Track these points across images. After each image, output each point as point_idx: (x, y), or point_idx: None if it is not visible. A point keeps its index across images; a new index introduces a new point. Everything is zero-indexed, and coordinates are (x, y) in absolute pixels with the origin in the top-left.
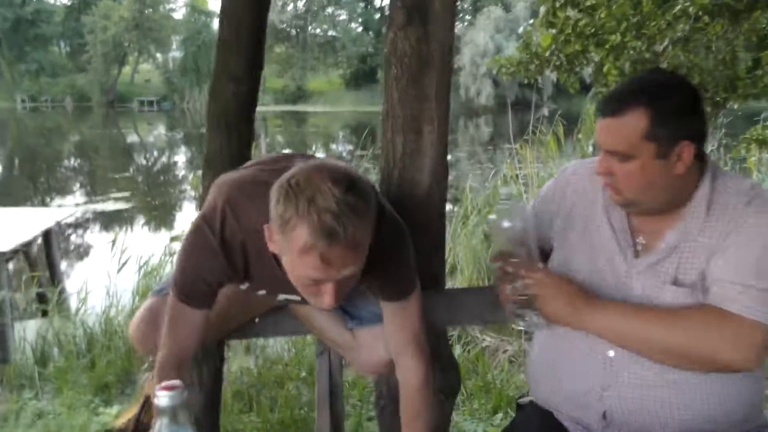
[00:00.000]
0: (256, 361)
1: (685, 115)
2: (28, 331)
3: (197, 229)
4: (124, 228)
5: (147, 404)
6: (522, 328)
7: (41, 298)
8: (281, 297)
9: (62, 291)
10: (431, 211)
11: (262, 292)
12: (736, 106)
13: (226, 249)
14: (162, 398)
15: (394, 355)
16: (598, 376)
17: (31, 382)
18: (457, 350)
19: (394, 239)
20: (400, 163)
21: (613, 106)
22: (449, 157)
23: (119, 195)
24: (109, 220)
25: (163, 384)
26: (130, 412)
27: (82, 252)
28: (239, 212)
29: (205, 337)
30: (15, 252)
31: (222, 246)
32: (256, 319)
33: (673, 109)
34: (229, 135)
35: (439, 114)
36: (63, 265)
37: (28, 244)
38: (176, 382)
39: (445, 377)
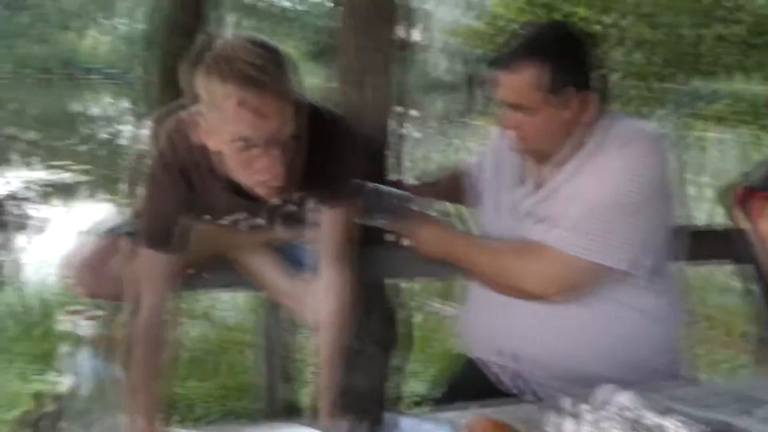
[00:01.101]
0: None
1: (581, 65)
2: None
3: (141, 161)
4: (77, 199)
5: None
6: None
7: None
8: (243, 224)
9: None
10: (375, 165)
11: (223, 219)
12: (694, 82)
13: (171, 174)
14: (85, 327)
15: (322, 267)
16: (503, 319)
17: None
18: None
19: (334, 137)
20: (348, 116)
21: (505, 61)
22: (418, 134)
23: (76, 167)
24: (63, 192)
25: (88, 313)
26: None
27: (26, 223)
28: (177, 137)
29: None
30: None
31: (167, 172)
32: (203, 273)
33: (568, 60)
34: (179, 91)
35: (387, 67)
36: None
37: None
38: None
39: (382, 329)
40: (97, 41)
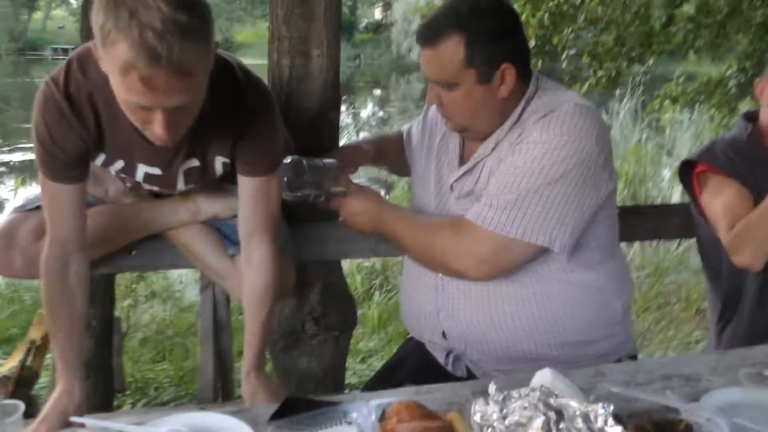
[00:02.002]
0: (166, 309)
1: (503, 38)
2: None
3: (43, 89)
4: (31, 178)
5: (33, 349)
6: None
7: None
8: (140, 171)
9: None
10: (323, 139)
11: (119, 164)
12: (651, 62)
13: (71, 103)
14: None
15: (243, 237)
16: (432, 297)
17: None
18: (376, 297)
19: (262, 106)
20: (287, 87)
21: (428, 34)
22: (381, 113)
23: (29, 145)
24: (18, 171)
25: None
26: (15, 358)
27: None
28: (87, 64)
29: (84, 230)
30: None
31: (67, 100)
32: (133, 252)
33: (489, 33)
34: None
35: (329, 37)
36: None
37: None
38: None
39: (340, 313)
40: (66, 20)
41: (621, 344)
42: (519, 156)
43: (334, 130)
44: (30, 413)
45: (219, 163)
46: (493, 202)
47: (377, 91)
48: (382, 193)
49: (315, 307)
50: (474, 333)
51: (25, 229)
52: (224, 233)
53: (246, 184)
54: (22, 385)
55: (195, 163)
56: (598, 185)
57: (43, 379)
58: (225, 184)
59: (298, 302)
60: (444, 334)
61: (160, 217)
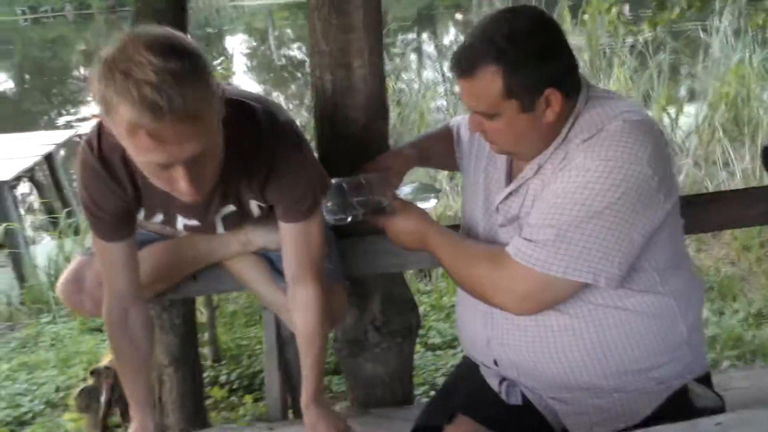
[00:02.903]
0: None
1: (544, 62)
2: (40, 255)
3: (79, 151)
4: None
5: None
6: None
7: (54, 222)
8: (180, 223)
9: (71, 213)
10: (371, 151)
11: (159, 217)
12: None
13: (106, 165)
14: None
15: (289, 281)
16: (482, 325)
17: (48, 306)
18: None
19: (288, 150)
20: (331, 102)
21: (463, 66)
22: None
23: None
24: None
25: None
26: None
27: None
28: (106, 134)
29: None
30: (18, 179)
31: (102, 162)
32: (196, 278)
33: (528, 60)
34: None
35: (370, 45)
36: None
37: (30, 170)
38: None
39: (402, 319)
40: None
41: (688, 365)
42: (561, 184)
43: (383, 140)
44: None
45: (254, 205)
46: (533, 237)
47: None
48: (433, 203)
49: (376, 316)
50: (525, 363)
51: (91, 274)
52: (275, 266)
53: (285, 230)
54: None
55: (231, 208)
56: (651, 210)
57: None
58: (273, 216)
59: (360, 312)
60: (496, 362)
61: (215, 250)
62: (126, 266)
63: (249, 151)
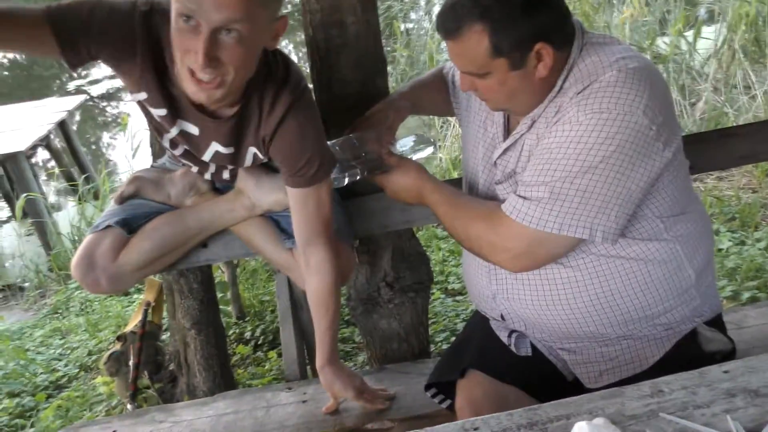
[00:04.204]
0: None
1: (529, 15)
2: (62, 222)
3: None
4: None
5: (149, 309)
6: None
7: (73, 188)
8: (176, 128)
9: (90, 178)
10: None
11: (161, 111)
12: None
13: (142, 28)
14: None
15: (301, 246)
16: (486, 280)
17: None
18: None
19: (304, 113)
20: (327, 61)
21: (448, 26)
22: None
23: None
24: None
25: None
26: (135, 318)
27: (106, 135)
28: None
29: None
30: (34, 148)
31: (142, 21)
32: (207, 245)
33: (514, 15)
34: None
35: (362, 0)
36: (92, 149)
37: (45, 138)
38: None
39: (413, 274)
40: None
41: (696, 309)
42: (554, 138)
43: (383, 97)
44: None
45: (251, 154)
46: (527, 194)
47: None
48: (428, 152)
49: (387, 272)
50: (532, 316)
51: (103, 249)
52: (282, 226)
53: (294, 195)
54: (149, 338)
55: (229, 149)
56: (650, 160)
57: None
58: (277, 177)
59: (371, 269)
60: (502, 317)
61: (220, 217)
62: None
63: (269, 99)
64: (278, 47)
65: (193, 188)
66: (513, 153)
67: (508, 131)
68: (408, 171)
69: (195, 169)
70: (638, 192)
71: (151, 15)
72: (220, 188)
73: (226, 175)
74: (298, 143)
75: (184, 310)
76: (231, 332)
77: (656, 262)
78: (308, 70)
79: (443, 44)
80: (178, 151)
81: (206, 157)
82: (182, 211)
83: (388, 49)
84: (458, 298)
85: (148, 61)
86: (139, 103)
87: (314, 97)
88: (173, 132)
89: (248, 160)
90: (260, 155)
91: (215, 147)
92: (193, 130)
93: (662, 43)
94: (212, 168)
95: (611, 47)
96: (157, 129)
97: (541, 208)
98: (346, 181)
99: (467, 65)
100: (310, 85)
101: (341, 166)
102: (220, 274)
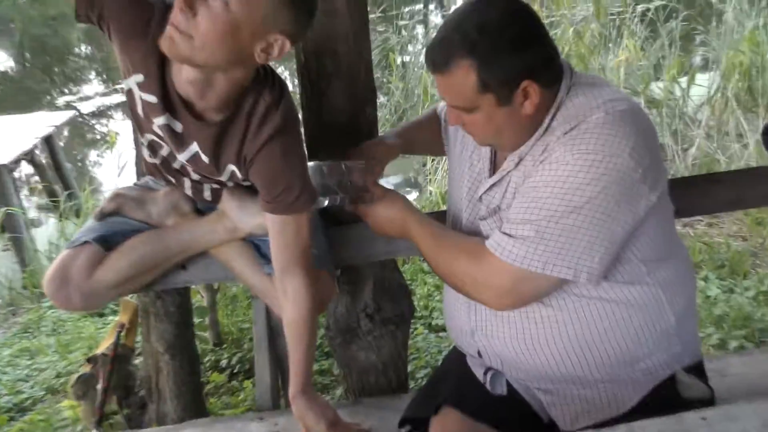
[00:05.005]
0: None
1: (517, 52)
2: (41, 238)
3: None
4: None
5: (123, 331)
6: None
7: (55, 204)
8: (162, 119)
9: (72, 195)
10: (359, 139)
11: (152, 98)
12: None
13: (162, 12)
14: None
15: (278, 273)
16: (465, 316)
17: None
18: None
19: (289, 138)
20: (316, 89)
21: (436, 61)
22: None
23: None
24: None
25: None
26: (108, 340)
27: (93, 152)
28: None
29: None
30: (17, 162)
31: (163, 6)
32: (185, 267)
33: (502, 51)
34: None
35: (355, 29)
36: (78, 166)
37: (30, 152)
38: None
39: (395, 307)
40: None
41: (676, 355)
42: (541, 177)
43: (372, 126)
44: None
45: (228, 172)
46: (512, 232)
47: None
48: (413, 195)
49: (368, 303)
50: (509, 355)
51: (78, 265)
52: (262, 251)
53: (272, 221)
54: (120, 361)
55: (204, 158)
56: (634, 202)
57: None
58: (256, 200)
59: (352, 299)
60: (479, 353)
61: (200, 238)
62: None
63: (258, 117)
64: (274, 72)
65: (175, 208)
66: (498, 189)
67: (494, 167)
68: (393, 202)
69: (173, 181)
70: (623, 234)
71: (172, 4)
72: (202, 210)
73: (207, 194)
74: (280, 169)
75: (158, 333)
76: (207, 359)
77: (637, 306)
78: (298, 97)
79: None
80: (156, 159)
81: (184, 156)
82: (162, 231)
83: (384, 80)
84: (441, 334)
85: (158, 46)
86: (129, 92)
87: (303, 123)
88: (158, 122)
89: (225, 176)
90: (239, 174)
91: (195, 148)
92: (177, 126)
93: (656, 88)
94: (191, 178)
95: (600, 89)
96: (140, 125)
97: (526, 246)
98: (326, 203)
99: (455, 100)
100: (300, 113)
101: (324, 189)
102: (200, 299)
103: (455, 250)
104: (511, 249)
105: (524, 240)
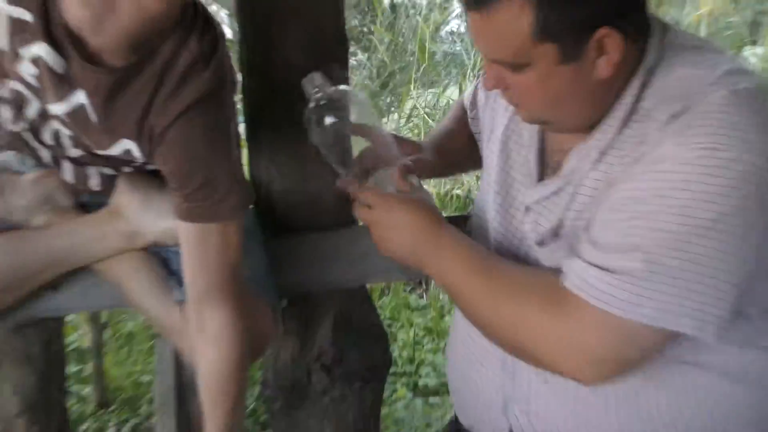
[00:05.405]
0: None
1: None
2: None
3: None
4: None
5: None
6: None
7: None
8: (38, 47)
9: None
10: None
11: (26, 15)
12: None
13: None
14: None
15: (193, 302)
16: (498, 383)
17: None
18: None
19: (218, 108)
20: (263, 36)
21: None
22: None
23: None
24: None
25: None
26: None
27: None
28: None
29: None
30: None
31: None
32: (56, 287)
33: None
34: None
35: None
36: None
37: None
38: None
39: (363, 356)
40: None
41: None
42: (643, 181)
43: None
44: None
45: (120, 148)
46: (607, 263)
47: None
48: None
49: (325, 349)
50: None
51: None
52: (173, 268)
53: (187, 231)
54: None
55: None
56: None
57: None
58: (167, 194)
59: (301, 343)
60: (510, 428)
61: (82, 246)
62: None
63: (178, 73)
64: (209, 13)
65: (48, 202)
66: (558, 198)
67: (543, 160)
68: (425, 205)
69: (46, 160)
70: (752, 263)
71: None
72: (88, 205)
73: (94, 181)
74: (201, 153)
75: (12, 386)
76: (85, 427)
77: (742, 379)
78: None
79: (443, 30)
80: (20, 123)
81: (61, 108)
82: (27, 234)
83: (363, 29)
84: (433, 400)
85: None
86: None
87: (242, 88)
88: (29, 55)
89: (117, 150)
90: (137, 153)
91: (81, 98)
92: (59, 65)
93: (752, 56)
94: (69, 156)
95: (713, 57)
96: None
97: (632, 285)
98: (330, 121)
99: (498, 50)
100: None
101: (321, 109)
102: (78, 337)
103: (520, 290)
104: (606, 289)
105: (630, 275)
